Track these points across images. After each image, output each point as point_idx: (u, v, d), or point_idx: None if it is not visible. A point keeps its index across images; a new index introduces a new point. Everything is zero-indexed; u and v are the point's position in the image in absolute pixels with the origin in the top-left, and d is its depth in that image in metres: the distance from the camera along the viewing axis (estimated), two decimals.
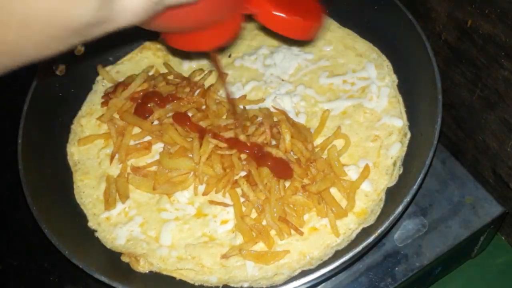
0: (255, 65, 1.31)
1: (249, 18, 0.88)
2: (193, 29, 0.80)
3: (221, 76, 1.21)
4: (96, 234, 1.11)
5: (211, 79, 1.29)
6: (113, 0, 0.54)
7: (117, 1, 0.55)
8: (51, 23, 0.51)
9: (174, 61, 1.36)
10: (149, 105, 1.19)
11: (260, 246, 1.03)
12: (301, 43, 1.31)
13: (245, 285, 1.00)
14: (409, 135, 1.13)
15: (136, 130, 1.20)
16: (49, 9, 0.50)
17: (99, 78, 1.35)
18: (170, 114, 1.19)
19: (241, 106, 1.21)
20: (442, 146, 1.19)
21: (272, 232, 1.04)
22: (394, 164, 1.10)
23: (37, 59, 0.55)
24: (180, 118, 1.16)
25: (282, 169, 1.06)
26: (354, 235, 1.02)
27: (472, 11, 1.06)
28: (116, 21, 0.57)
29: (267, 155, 1.07)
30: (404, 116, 1.17)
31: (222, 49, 1.31)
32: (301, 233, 1.03)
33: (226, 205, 1.08)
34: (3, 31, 0.50)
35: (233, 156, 1.09)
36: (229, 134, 1.11)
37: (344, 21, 1.35)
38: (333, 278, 1.06)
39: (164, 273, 1.04)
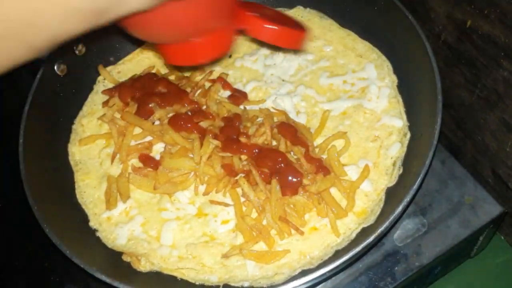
0: (256, 66, 1.31)
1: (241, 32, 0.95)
2: (186, 35, 0.86)
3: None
4: (97, 234, 1.11)
5: None
6: None
7: None
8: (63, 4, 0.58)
9: None
10: (150, 105, 1.20)
11: (261, 246, 1.03)
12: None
13: (246, 284, 1.00)
14: (409, 135, 1.13)
15: (137, 130, 1.21)
16: None
17: (100, 78, 1.35)
18: (171, 114, 1.19)
19: (242, 107, 1.21)
20: (441, 146, 1.20)
21: (273, 232, 1.04)
22: (394, 164, 1.11)
23: (59, 39, 0.62)
24: (176, 123, 1.15)
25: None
26: (354, 235, 1.02)
27: (471, 11, 1.07)
28: (127, 3, 0.64)
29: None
30: (404, 116, 1.17)
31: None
32: (302, 233, 1.03)
33: (226, 205, 1.09)
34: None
35: (233, 156, 1.10)
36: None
37: (344, 22, 1.35)
38: (333, 278, 1.07)
39: (165, 272, 1.04)
